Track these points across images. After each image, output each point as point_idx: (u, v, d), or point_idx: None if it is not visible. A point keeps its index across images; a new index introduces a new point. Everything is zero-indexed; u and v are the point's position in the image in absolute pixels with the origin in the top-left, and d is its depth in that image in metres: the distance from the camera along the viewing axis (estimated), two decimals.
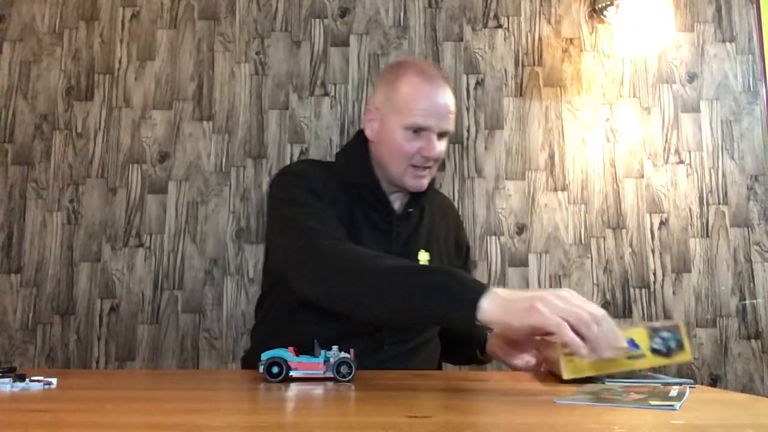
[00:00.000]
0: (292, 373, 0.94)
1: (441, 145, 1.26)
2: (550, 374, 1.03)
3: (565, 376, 0.89)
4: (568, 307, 0.81)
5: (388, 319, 1.07)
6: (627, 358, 0.90)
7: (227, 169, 1.84)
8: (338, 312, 1.04)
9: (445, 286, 0.89)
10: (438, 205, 1.42)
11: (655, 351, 0.90)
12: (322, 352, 0.95)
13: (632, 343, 0.91)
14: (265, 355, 0.95)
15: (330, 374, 0.94)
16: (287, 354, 0.94)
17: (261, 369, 0.93)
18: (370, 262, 0.99)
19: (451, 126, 1.26)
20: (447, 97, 1.24)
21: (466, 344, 1.36)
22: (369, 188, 1.27)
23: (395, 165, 1.25)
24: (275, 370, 0.93)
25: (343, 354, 0.96)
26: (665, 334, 0.91)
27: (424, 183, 1.28)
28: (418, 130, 1.22)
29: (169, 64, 1.90)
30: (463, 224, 1.58)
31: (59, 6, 1.92)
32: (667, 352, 0.90)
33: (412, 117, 1.22)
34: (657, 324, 0.93)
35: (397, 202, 1.31)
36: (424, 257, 1.29)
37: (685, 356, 0.91)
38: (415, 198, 1.31)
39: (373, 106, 1.30)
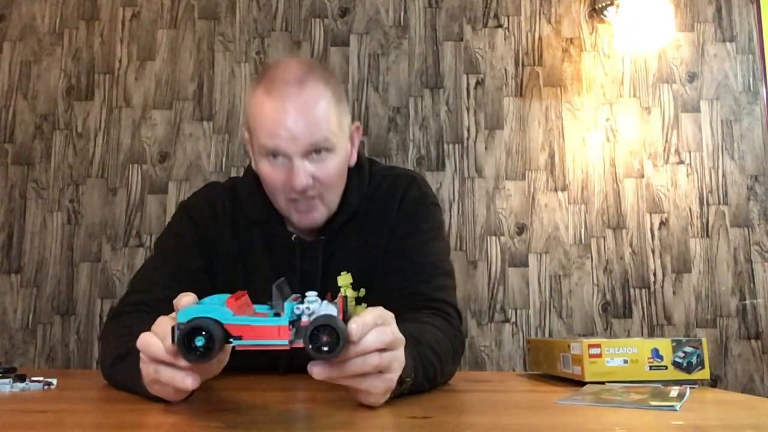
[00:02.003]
0: (236, 343, 0.58)
1: (319, 169, 0.97)
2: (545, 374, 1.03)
3: (587, 378, 0.89)
4: None
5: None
6: (650, 368, 0.90)
7: (227, 169, 1.84)
8: None
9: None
10: (380, 203, 1.09)
11: (676, 364, 0.91)
12: (286, 305, 0.58)
13: (656, 354, 0.91)
14: (183, 315, 0.57)
15: (300, 343, 0.58)
16: (223, 312, 0.57)
17: (176, 338, 0.57)
18: (111, 345, 0.91)
19: (317, 137, 0.95)
20: (300, 108, 0.94)
21: None
22: (265, 224, 1.08)
23: (275, 201, 1.03)
24: (200, 342, 0.56)
25: (323, 309, 0.59)
26: (688, 349, 0.92)
27: (316, 217, 1.02)
28: (276, 155, 0.97)
29: (169, 64, 1.90)
30: (406, 220, 1.08)
31: (59, 6, 1.92)
32: (688, 368, 0.91)
33: (261, 141, 0.97)
34: (682, 338, 0.94)
35: (309, 231, 1.06)
36: (344, 281, 0.95)
37: (703, 374, 0.92)
38: (335, 218, 1.06)
39: (245, 128, 1.06)
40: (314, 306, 0.59)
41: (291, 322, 0.58)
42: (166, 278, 0.98)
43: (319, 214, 1.02)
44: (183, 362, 0.61)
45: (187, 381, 0.62)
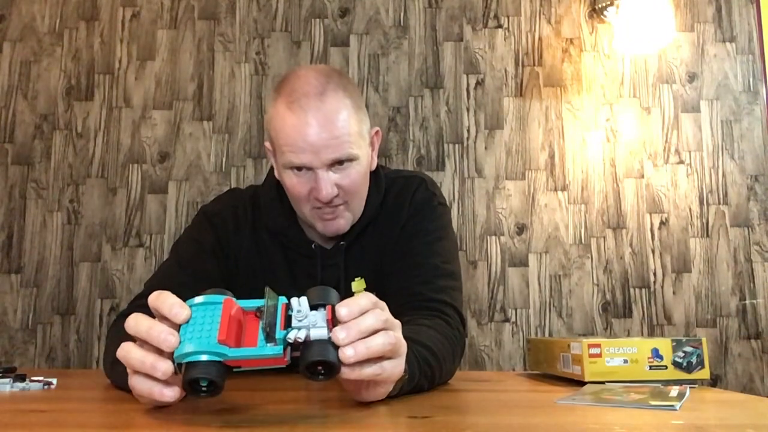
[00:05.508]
0: (237, 370, 0.62)
1: (343, 178, 1.00)
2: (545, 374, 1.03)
3: (587, 377, 0.89)
4: None
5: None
6: (650, 368, 0.90)
7: (227, 169, 1.84)
8: None
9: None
10: (392, 206, 1.12)
11: (676, 364, 0.91)
12: (278, 334, 0.59)
13: (656, 354, 0.91)
14: (180, 349, 0.59)
15: (297, 353, 0.61)
16: (220, 349, 0.58)
17: (186, 382, 0.59)
18: (113, 341, 0.88)
19: (339, 151, 0.97)
20: (322, 122, 0.96)
21: None
22: (284, 233, 1.10)
23: (299, 210, 1.06)
24: (204, 383, 0.59)
25: (311, 323, 0.61)
26: (688, 349, 0.92)
27: (341, 223, 1.04)
28: (300, 168, 1.00)
29: (169, 64, 1.90)
30: (417, 221, 1.11)
31: (59, 6, 1.92)
32: (688, 367, 0.91)
33: (285, 155, 1.00)
34: (682, 338, 0.94)
35: (329, 239, 1.09)
36: (358, 287, 1.08)
37: (703, 373, 0.92)
38: (354, 224, 1.08)
39: (267, 140, 1.08)
40: (304, 322, 0.60)
41: (284, 347, 0.59)
42: (180, 285, 0.93)
43: (345, 220, 1.05)
44: (161, 374, 0.60)
45: (166, 393, 0.61)
